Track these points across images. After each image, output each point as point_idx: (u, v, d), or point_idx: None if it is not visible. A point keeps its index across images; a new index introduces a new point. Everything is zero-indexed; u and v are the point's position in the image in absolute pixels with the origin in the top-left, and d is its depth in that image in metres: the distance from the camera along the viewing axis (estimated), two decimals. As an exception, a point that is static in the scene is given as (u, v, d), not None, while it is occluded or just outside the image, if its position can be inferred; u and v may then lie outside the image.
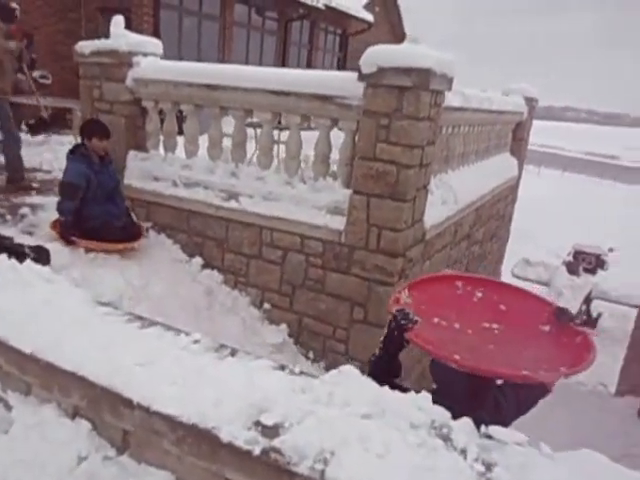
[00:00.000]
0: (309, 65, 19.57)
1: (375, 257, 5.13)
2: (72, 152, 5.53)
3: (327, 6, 17.47)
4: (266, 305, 5.79)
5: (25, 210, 6.03)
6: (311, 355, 5.61)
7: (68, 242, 5.29)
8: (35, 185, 7.41)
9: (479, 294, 2.89)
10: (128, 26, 6.45)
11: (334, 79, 5.25)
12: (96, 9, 13.51)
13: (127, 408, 2.29)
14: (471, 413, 2.26)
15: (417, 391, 2.43)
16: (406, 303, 2.65)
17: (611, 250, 17.17)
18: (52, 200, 6.43)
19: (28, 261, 3.56)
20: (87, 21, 13.65)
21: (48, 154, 9.09)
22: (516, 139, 10.72)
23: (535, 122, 11.39)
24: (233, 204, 5.74)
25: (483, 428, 2.15)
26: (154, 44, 6.39)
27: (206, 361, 2.52)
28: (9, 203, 6.45)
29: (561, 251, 19.38)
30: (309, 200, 5.42)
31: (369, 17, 20.67)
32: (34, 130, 10.63)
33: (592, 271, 16.38)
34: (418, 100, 4.69)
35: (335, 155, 5.65)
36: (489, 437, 2.12)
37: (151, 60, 6.21)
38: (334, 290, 5.40)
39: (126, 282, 5.14)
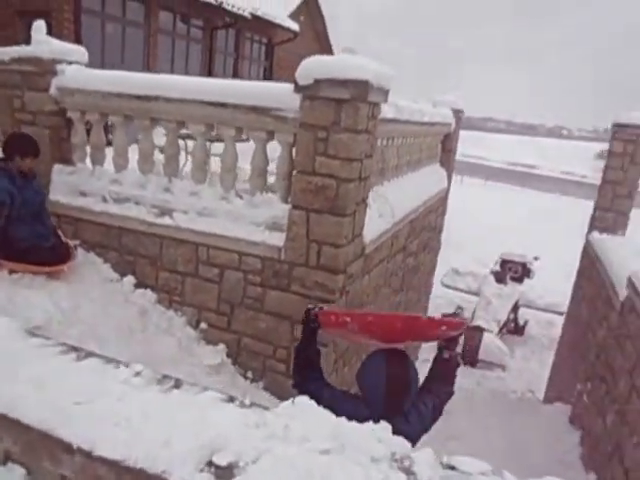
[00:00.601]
0: (235, 74, 19.40)
1: (315, 274, 5.03)
2: None
3: (253, 15, 17.35)
4: (203, 325, 5.59)
5: None
6: (250, 375, 5.45)
7: None
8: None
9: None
10: (48, 31, 6.09)
11: (270, 91, 5.12)
12: (14, 13, 12.93)
13: (66, 453, 2.10)
14: (392, 418, 2.51)
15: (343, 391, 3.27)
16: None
17: (536, 259, 17.67)
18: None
19: None
20: (4, 26, 13.03)
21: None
22: (445, 150, 10.86)
23: (458, 132, 11.56)
24: (167, 220, 5.53)
25: (445, 458, 2.11)
26: (79, 52, 6.10)
27: (151, 396, 2.35)
28: None
29: (487, 260, 19.83)
30: (246, 216, 5.28)
31: (295, 26, 20.67)
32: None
33: (519, 280, 16.82)
34: (356, 113, 4.62)
35: (272, 168, 5.53)
36: (452, 468, 2.06)
37: (77, 68, 5.92)
38: (274, 308, 5.27)
39: (55, 305, 4.85)
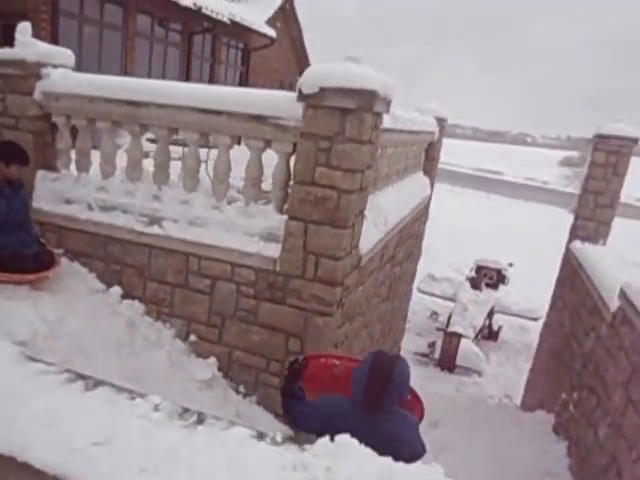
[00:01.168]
0: (212, 79, 19.09)
1: (312, 286, 4.83)
2: None
3: (231, 20, 17.12)
4: (192, 337, 5.35)
5: None
6: (242, 389, 5.23)
7: None
8: None
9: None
10: (24, 33, 5.80)
11: (269, 99, 4.91)
12: (-13, 13, 12.50)
13: (86, 503, 1.88)
14: (373, 414, 2.96)
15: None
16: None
17: (510, 265, 17.72)
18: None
19: None
20: (-23, 26, 12.59)
21: None
22: (428, 158, 10.74)
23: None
24: (156, 229, 5.28)
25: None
26: (65, 55, 5.79)
27: (175, 436, 2.14)
28: None
29: (461, 266, 19.85)
30: (240, 226, 5.07)
31: (272, 32, 20.47)
32: None
33: (494, 286, 16.84)
34: (362, 123, 4.44)
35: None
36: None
37: (62, 72, 5.63)
38: (268, 321, 5.06)
39: (39, 317, 4.56)
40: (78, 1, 13.13)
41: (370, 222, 5.69)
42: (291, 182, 4.91)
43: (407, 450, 2.88)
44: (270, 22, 21.00)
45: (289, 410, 3.56)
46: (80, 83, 5.52)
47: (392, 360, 3.13)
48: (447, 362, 13.31)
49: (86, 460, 1.93)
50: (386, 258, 7.09)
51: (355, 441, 2.22)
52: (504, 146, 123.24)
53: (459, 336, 13.28)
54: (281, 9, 22.68)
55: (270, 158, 5.17)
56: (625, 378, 5.68)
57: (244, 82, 20.86)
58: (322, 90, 4.41)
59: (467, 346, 13.39)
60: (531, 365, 11.99)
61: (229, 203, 5.37)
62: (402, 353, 11.69)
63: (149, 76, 14.93)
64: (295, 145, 4.81)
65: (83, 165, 5.86)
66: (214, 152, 5.51)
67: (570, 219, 10.82)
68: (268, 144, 5.05)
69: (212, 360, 5.27)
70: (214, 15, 16.10)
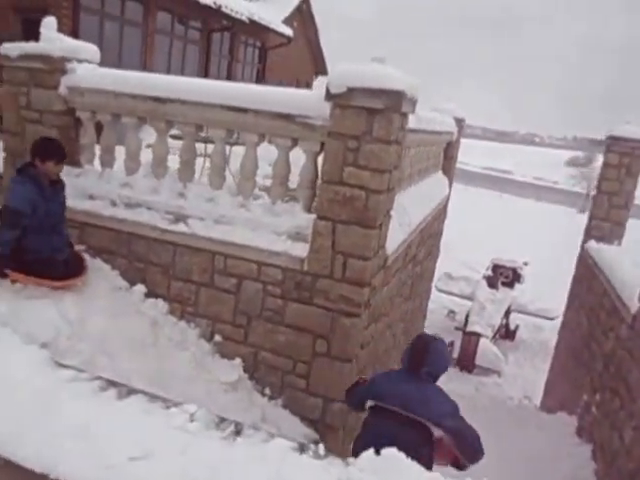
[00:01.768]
0: (229, 76, 19.06)
1: (340, 286, 4.67)
2: (19, 172, 4.60)
3: (250, 19, 17.08)
4: (217, 337, 5.19)
5: None
6: (268, 391, 5.06)
7: (1, 276, 4.49)
8: None
9: None
10: (43, 27, 5.67)
11: (297, 97, 4.80)
12: (8, 8, 12.41)
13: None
14: (413, 375, 3.61)
15: None
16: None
17: (526, 264, 17.51)
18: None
19: None
20: (-2, 21, 12.53)
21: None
22: (447, 158, 10.60)
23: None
24: (181, 227, 5.12)
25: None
26: (91, 50, 5.67)
27: (215, 449, 1.98)
28: None
29: (475, 264, 19.64)
30: (267, 225, 4.91)
31: (289, 32, 20.48)
32: None
33: (510, 285, 16.62)
34: (389, 123, 4.32)
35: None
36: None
37: (89, 67, 5.50)
38: (295, 321, 4.89)
39: (61, 316, 4.41)
40: (99, -3, 13.07)
41: (395, 222, 5.53)
42: (318, 181, 4.76)
43: (435, 411, 3.43)
44: (287, 21, 21.07)
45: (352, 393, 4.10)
46: (106, 78, 5.40)
47: (431, 338, 3.82)
48: (466, 362, 13.10)
49: (123, 476, 1.78)
50: (409, 257, 6.93)
51: (402, 455, 2.08)
52: (512, 146, 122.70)
53: (478, 336, 13.06)
54: (298, 9, 22.83)
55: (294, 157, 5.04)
56: (650, 380, 5.50)
57: (261, 80, 20.84)
58: (350, 90, 4.31)
59: (486, 346, 13.18)
60: (550, 365, 11.77)
61: (254, 200, 5.23)
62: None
63: (168, 72, 14.89)
64: (322, 144, 4.69)
65: (107, 161, 5.73)
66: (235, 150, 5.38)
67: (579, 218, 10.71)
68: (295, 143, 4.92)
69: (237, 361, 5.11)
70: (233, 14, 16.08)
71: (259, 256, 4.90)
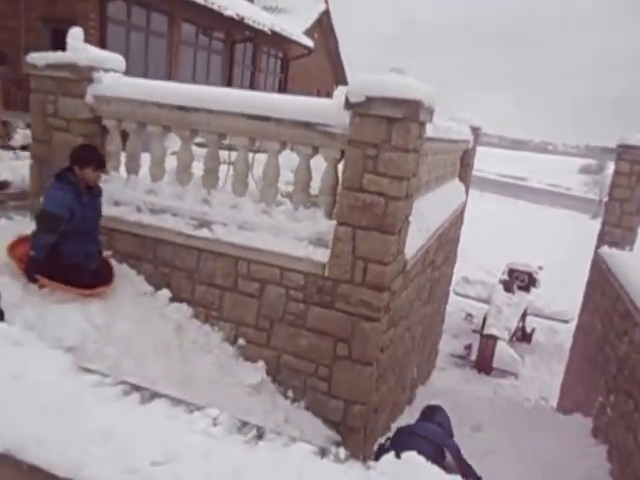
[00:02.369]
0: (252, 85, 19.12)
1: (361, 291, 4.62)
2: (58, 177, 4.60)
3: (272, 30, 17.14)
4: (241, 341, 5.15)
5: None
6: (290, 394, 5.01)
7: (31, 280, 4.48)
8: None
9: None
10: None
11: (317, 106, 4.77)
12: (38, 19, 12.56)
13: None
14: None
15: None
16: None
17: (540, 268, 17.34)
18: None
19: None
20: (28, 31, 12.64)
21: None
22: (463, 165, 10.52)
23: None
24: (205, 233, 5.10)
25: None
26: (117, 60, 5.68)
27: (238, 453, 1.92)
28: None
29: (491, 267, 19.47)
30: (289, 230, 4.88)
31: (310, 43, 20.53)
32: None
33: (525, 288, 16.46)
34: (408, 132, 4.29)
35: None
36: None
37: (115, 76, 5.51)
38: (316, 325, 4.84)
39: (88, 321, 4.39)
40: (125, 9, 13.20)
41: (414, 228, 5.46)
42: (339, 188, 4.72)
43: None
44: (308, 33, 21.14)
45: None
46: (131, 88, 5.41)
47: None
48: (484, 364, 12.99)
49: (147, 482, 1.73)
50: (427, 262, 6.85)
51: (421, 458, 2.02)
52: (527, 153, 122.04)
53: (495, 338, 12.94)
54: (318, 21, 22.99)
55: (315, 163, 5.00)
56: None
57: (283, 89, 20.92)
58: (369, 99, 4.29)
59: (503, 349, 13.06)
60: (565, 368, 11.61)
61: (276, 206, 5.20)
62: (439, 355, 11.45)
63: (193, 82, 14.94)
64: (342, 152, 4.66)
65: (132, 168, 5.73)
66: (258, 157, 5.35)
67: (592, 224, 10.63)
68: (316, 150, 4.88)
69: (261, 364, 5.06)
70: (255, 25, 16.16)
71: (281, 261, 4.86)
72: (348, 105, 4.39)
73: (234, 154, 5.41)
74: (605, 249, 9.92)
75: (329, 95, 5.18)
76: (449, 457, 3.55)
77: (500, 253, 21.44)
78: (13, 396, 2.13)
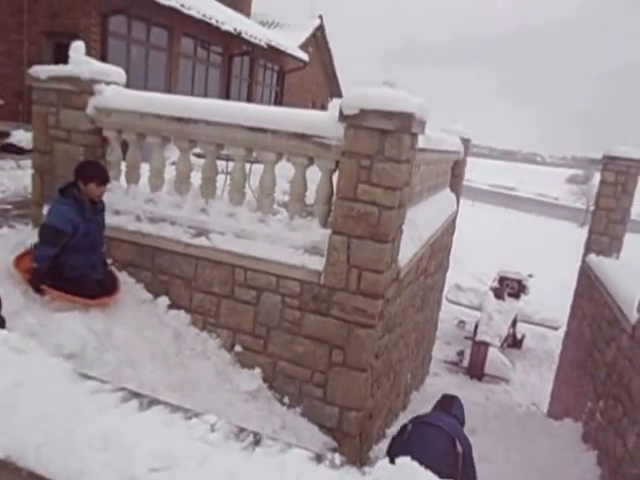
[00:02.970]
0: (249, 97, 19.19)
1: (355, 299, 4.61)
2: (62, 192, 4.59)
3: (268, 45, 17.23)
4: (238, 348, 5.11)
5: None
6: (286, 400, 4.97)
7: (37, 291, 4.45)
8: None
9: None
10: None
11: (313, 118, 4.77)
12: (40, 32, 12.56)
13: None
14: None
15: None
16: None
17: (530, 276, 17.36)
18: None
19: None
20: (30, 43, 12.66)
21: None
22: (454, 175, 10.54)
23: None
24: (203, 241, 5.08)
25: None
26: (117, 73, 5.65)
27: (235, 459, 1.89)
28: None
29: (483, 276, 19.47)
30: (285, 239, 4.86)
31: (305, 56, 20.69)
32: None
33: (515, 296, 16.47)
34: (400, 143, 4.30)
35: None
36: None
37: (115, 89, 5.48)
38: (312, 332, 4.82)
39: (88, 328, 4.33)
40: (126, 24, 13.20)
41: (407, 236, 5.46)
42: (334, 198, 4.72)
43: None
44: (303, 47, 21.33)
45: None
46: (132, 100, 5.38)
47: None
48: (476, 370, 12.98)
49: (145, 489, 1.71)
50: (420, 270, 6.84)
51: (416, 463, 2.00)
52: (516, 164, 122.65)
53: (487, 345, 12.94)
54: (313, 36, 23.16)
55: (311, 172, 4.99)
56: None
57: (279, 101, 21.00)
58: (362, 112, 4.31)
59: (495, 355, 13.09)
60: (555, 373, 11.61)
61: (272, 215, 5.19)
62: (432, 361, 11.41)
63: (191, 94, 15.00)
64: (337, 162, 4.66)
65: (132, 178, 5.71)
66: (255, 167, 5.35)
67: (579, 232, 10.74)
68: (311, 161, 4.88)
69: (257, 371, 5.04)
70: (253, 39, 16.25)
71: (278, 269, 4.85)
72: (342, 117, 4.41)
73: (231, 164, 5.41)
74: (592, 257, 10.02)
75: (324, 107, 5.19)
76: (459, 448, 3.63)
77: (490, 261, 21.47)
78: (13, 403, 2.10)
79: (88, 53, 5.65)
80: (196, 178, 5.58)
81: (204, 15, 13.99)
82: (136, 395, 2.31)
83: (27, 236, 5.50)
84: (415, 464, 2.00)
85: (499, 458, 6.55)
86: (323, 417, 4.82)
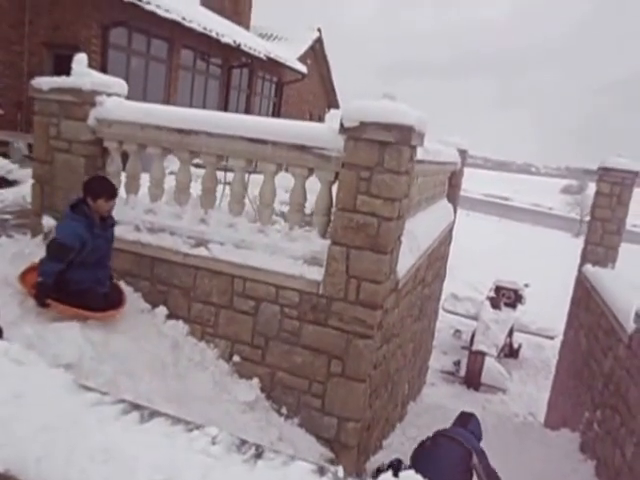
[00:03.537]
0: (248, 109, 19.20)
1: (354, 309, 4.59)
2: (72, 208, 4.52)
3: (267, 57, 17.31)
4: (236, 358, 5.08)
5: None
6: (284, 411, 4.93)
7: (42, 306, 4.40)
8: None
9: None
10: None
11: (312, 130, 4.78)
12: (41, 44, 12.56)
13: None
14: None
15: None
16: None
17: (526, 286, 17.36)
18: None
19: None
20: (30, 55, 12.66)
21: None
22: (451, 186, 10.58)
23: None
24: (202, 251, 5.06)
25: None
26: (119, 84, 5.66)
27: (237, 472, 1.88)
28: None
29: (479, 285, 19.45)
30: (284, 249, 4.85)
31: (303, 68, 20.75)
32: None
33: (512, 305, 16.46)
34: (400, 155, 4.32)
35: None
36: None
37: (116, 100, 5.48)
38: (310, 342, 4.79)
39: (85, 338, 4.27)
40: (127, 36, 13.21)
41: (405, 247, 5.45)
42: (333, 208, 4.72)
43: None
44: (301, 59, 21.40)
45: None
46: (133, 111, 5.38)
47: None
48: (473, 380, 12.95)
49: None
50: (418, 280, 6.83)
51: (418, 477, 1.98)
52: (511, 174, 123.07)
53: (483, 355, 12.92)
54: (311, 48, 23.20)
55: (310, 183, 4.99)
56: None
57: (277, 112, 21.02)
58: (362, 124, 4.33)
59: (492, 364, 13.04)
60: (552, 383, 11.58)
61: (272, 226, 5.18)
62: (429, 371, 11.37)
63: (191, 105, 15.05)
64: (337, 174, 4.66)
65: (132, 188, 5.69)
66: (254, 178, 5.34)
67: (574, 242, 10.75)
68: (311, 172, 4.89)
69: (255, 381, 4.99)
70: (252, 51, 16.33)
71: (277, 279, 4.83)
72: (343, 129, 4.42)
73: (230, 174, 5.39)
74: (588, 267, 10.04)
75: (320, 118, 5.20)
76: (475, 459, 3.97)
77: (487, 270, 21.46)
78: (14, 415, 2.07)
79: (88, 64, 5.64)
80: (195, 188, 5.57)
81: (205, 28, 14.03)
82: (137, 407, 2.29)
83: (25, 246, 5.48)
84: (417, 477, 1.97)
85: (496, 468, 6.49)
86: (321, 428, 4.79)
